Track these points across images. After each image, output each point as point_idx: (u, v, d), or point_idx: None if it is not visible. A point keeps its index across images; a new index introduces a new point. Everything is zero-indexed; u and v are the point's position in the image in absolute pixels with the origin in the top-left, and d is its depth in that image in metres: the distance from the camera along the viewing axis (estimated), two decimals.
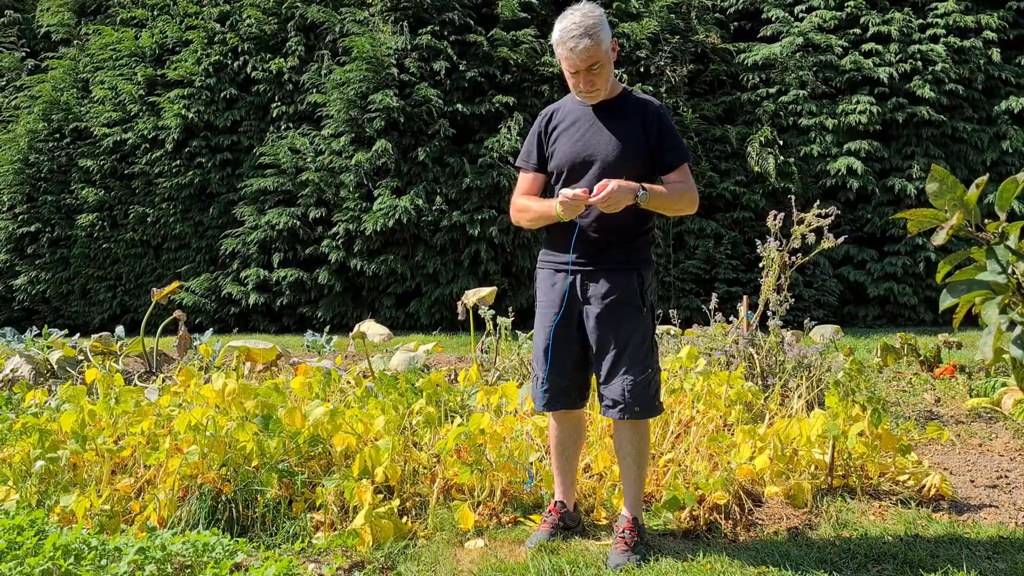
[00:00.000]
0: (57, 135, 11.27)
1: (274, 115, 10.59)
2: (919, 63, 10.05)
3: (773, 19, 10.55)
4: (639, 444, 2.95)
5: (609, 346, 2.88)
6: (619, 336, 2.88)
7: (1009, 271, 1.89)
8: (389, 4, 10.20)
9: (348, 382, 4.65)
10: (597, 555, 2.90)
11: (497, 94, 9.87)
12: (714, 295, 5.48)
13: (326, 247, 9.99)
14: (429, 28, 9.96)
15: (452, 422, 3.69)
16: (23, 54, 12.55)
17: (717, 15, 10.80)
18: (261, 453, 3.25)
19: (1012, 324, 1.86)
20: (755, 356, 4.70)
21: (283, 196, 10.34)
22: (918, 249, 9.85)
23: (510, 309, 5.82)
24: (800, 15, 10.56)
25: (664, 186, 2.91)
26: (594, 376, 3.02)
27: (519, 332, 5.82)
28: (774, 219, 4.81)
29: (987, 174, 2.22)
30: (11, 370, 5.31)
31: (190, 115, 10.56)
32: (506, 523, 3.21)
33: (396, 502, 3.13)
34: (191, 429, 3.22)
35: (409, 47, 9.94)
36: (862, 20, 10.36)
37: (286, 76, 10.57)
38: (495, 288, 5.42)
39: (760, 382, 4.59)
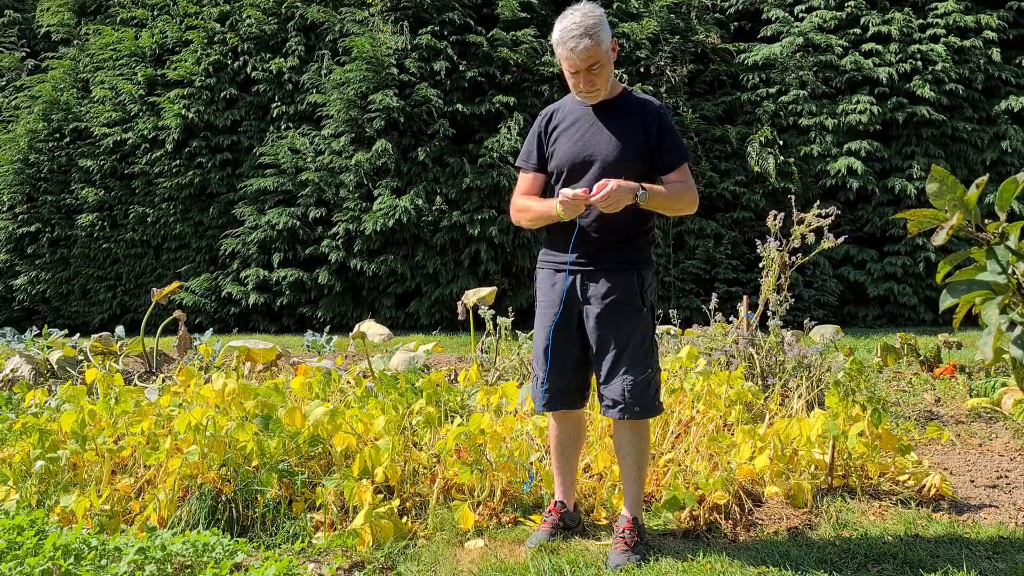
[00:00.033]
0: (57, 135, 11.27)
1: (274, 115, 10.60)
2: (919, 63, 10.05)
3: (773, 19, 10.55)
4: (639, 444, 2.95)
5: (609, 346, 2.88)
6: (619, 336, 2.87)
7: (1009, 271, 1.89)
8: (389, 4, 10.20)
9: (348, 382, 4.65)
10: (597, 555, 2.90)
11: (497, 94, 9.86)
12: (714, 295, 5.48)
13: (326, 247, 9.99)
14: (429, 28, 9.96)
15: (452, 422, 3.69)
16: (23, 54, 12.55)
17: (717, 15, 10.80)
18: (261, 453, 3.25)
19: (1012, 324, 1.86)
20: (755, 356, 4.70)
21: (283, 196, 10.34)
22: (918, 249, 9.85)
23: (510, 309, 5.82)
24: (800, 15, 10.57)
25: (664, 186, 2.91)
26: (594, 376, 3.02)
27: (519, 332, 5.82)
28: (774, 219, 4.81)
29: (987, 174, 2.22)
30: (11, 370, 5.31)
31: (190, 115, 10.57)
32: (506, 523, 3.21)
33: (396, 502, 3.13)
34: (191, 429, 3.22)
35: (409, 47, 9.94)
36: (862, 20, 10.37)
37: (286, 76, 10.57)
38: (495, 288, 5.42)
39: (760, 382, 4.59)
